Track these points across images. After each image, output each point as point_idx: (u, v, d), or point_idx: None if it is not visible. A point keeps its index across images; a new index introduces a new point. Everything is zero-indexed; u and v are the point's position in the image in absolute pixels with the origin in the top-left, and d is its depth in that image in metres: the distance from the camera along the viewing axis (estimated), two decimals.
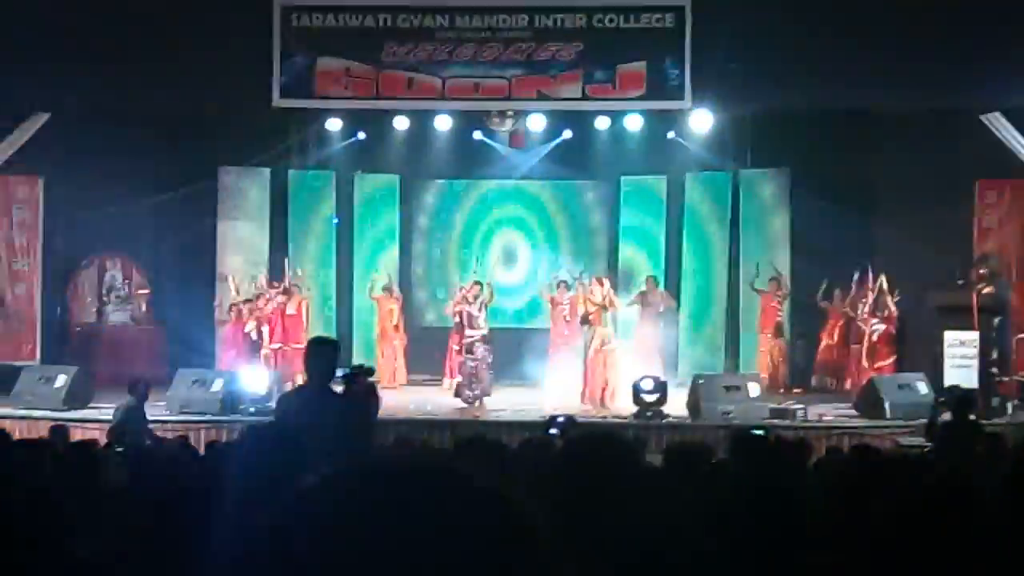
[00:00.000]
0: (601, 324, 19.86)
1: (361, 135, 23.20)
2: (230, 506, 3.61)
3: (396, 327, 22.52)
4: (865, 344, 20.72)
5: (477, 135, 22.94)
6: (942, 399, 13.74)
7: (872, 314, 20.58)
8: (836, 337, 21.75)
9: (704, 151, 22.61)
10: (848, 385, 20.85)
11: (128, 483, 7.29)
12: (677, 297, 22.90)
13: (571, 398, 19.33)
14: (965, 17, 18.33)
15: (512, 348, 21.21)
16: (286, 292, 21.73)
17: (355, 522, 1.24)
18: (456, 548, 1.22)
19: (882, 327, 20.54)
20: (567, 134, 22.80)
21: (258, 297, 21.58)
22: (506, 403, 19.56)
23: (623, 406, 18.65)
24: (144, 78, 19.38)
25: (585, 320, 20.00)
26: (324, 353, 8.42)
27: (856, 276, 21.09)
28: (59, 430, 12.92)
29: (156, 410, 17.15)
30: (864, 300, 20.80)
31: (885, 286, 20.56)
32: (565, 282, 21.55)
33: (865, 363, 20.46)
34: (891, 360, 20.42)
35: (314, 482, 1.31)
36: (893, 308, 20.49)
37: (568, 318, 20.83)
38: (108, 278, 23.54)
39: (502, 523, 1.27)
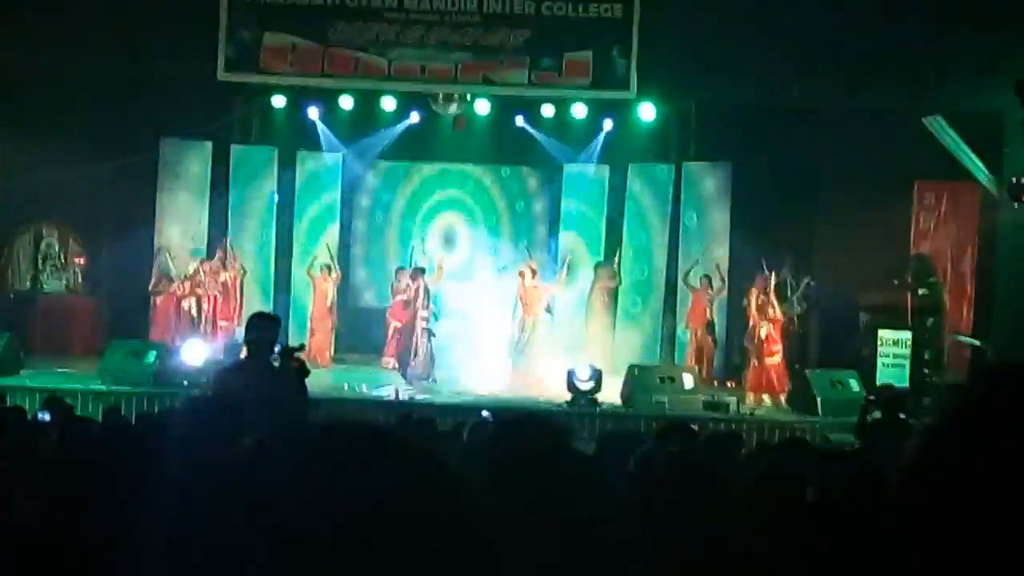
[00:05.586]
0: (530, 313, 20.10)
1: (313, 112, 23.03)
2: (164, 478, 3.62)
3: (330, 308, 22.45)
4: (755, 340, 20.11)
5: (415, 117, 22.80)
6: (873, 397, 13.88)
7: (761, 312, 20.12)
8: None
9: (648, 142, 22.66)
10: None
11: (61, 453, 7.26)
12: (616, 287, 22.95)
13: (501, 383, 19.44)
14: (913, 19, 18.47)
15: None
16: (221, 267, 21.66)
17: (293, 483, 1.26)
18: (391, 509, 1.25)
19: (767, 326, 19.99)
20: (519, 120, 22.76)
21: (195, 273, 21.50)
22: (442, 384, 19.65)
23: (557, 393, 18.61)
24: (88, 44, 19.18)
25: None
26: (265, 328, 8.44)
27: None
28: None
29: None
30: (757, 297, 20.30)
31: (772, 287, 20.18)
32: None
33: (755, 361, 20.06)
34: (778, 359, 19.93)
35: (251, 445, 1.33)
36: (778, 311, 20.07)
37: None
38: (44, 245, 23.32)
39: (437, 483, 1.30)
